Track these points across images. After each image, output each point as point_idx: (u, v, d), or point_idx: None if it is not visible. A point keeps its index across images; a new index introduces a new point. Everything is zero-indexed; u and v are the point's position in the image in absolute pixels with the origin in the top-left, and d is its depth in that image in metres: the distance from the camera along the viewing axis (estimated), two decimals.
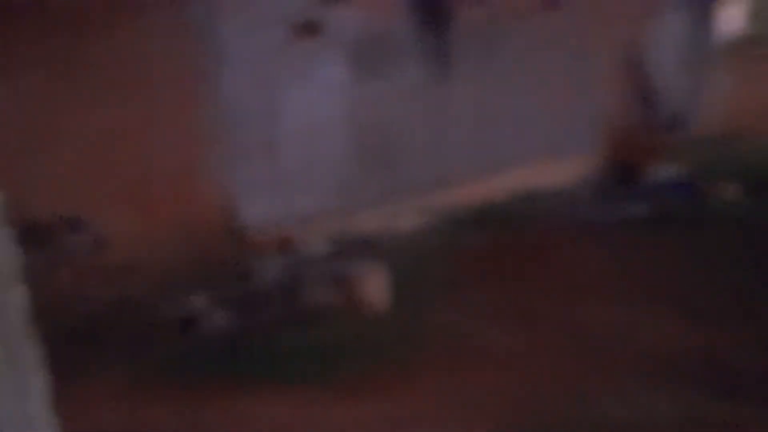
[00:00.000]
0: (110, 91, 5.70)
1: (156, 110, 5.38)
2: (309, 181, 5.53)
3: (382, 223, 5.61)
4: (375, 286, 4.70)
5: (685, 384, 3.84)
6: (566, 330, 4.57)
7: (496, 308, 4.76)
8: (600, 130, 6.47)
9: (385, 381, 4.00)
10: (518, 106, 6.16)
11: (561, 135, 6.34)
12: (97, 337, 4.58)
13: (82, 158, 6.25)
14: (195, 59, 5.16)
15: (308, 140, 5.51)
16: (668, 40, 6.71)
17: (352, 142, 5.66)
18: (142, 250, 5.59)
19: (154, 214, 5.57)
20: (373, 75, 5.62)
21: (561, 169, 6.31)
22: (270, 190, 5.40)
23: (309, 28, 5.41)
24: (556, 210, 6.02)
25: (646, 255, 5.27)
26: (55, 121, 6.41)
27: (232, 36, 5.22)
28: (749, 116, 6.55)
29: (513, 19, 6.07)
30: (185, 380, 4.12)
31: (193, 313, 4.64)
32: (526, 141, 6.22)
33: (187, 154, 5.25)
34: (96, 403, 3.98)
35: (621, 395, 3.80)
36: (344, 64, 5.56)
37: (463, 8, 5.82)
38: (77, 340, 4.51)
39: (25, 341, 1.78)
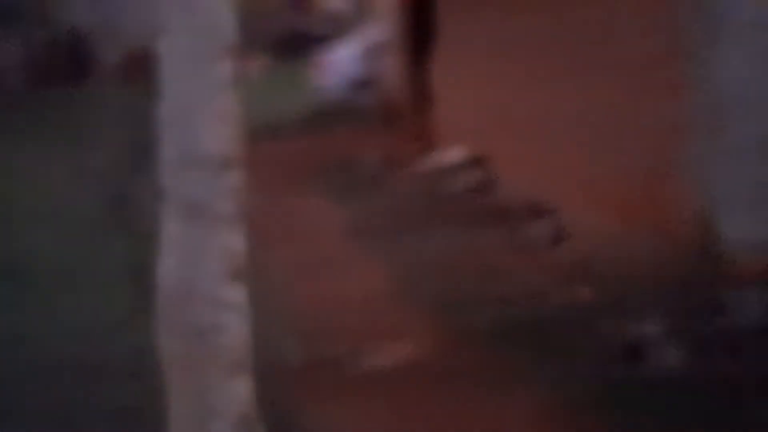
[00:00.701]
0: (582, 72, 5.12)
1: (632, 94, 4.63)
2: None
3: None
4: None
5: None
6: None
7: None
8: None
9: None
10: None
11: None
12: (528, 340, 4.02)
13: (549, 142, 5.81)
14: (681, 34, 4.23)
15: None
16: None
17: None
18: (597, 251, 4.93)
19: (617, 213, 4.86)
20: None
21: None
22: (763, 203, 4.24)
23: None
24: None
25: None
26: (523, 103, 6.07)
27: (731, 3, 4.15)
28: None
29: None
30: (615, 420, 3.36)
31: (640, 339, 3.81)
32: None
33: (664, 147, 4.39)
34: (507, 419, 3.45)
35: None
36: None
37: None
38: (507, 339, 4.04)
39: None
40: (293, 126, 10.40)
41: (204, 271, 1.19)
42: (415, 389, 3.69)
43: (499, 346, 3.95)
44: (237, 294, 1.22)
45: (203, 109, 1.22)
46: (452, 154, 7.45)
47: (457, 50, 7.62)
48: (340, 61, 11.23)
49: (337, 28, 15.26)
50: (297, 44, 16.15)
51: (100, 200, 6.28)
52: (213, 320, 1.18)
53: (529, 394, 3.54)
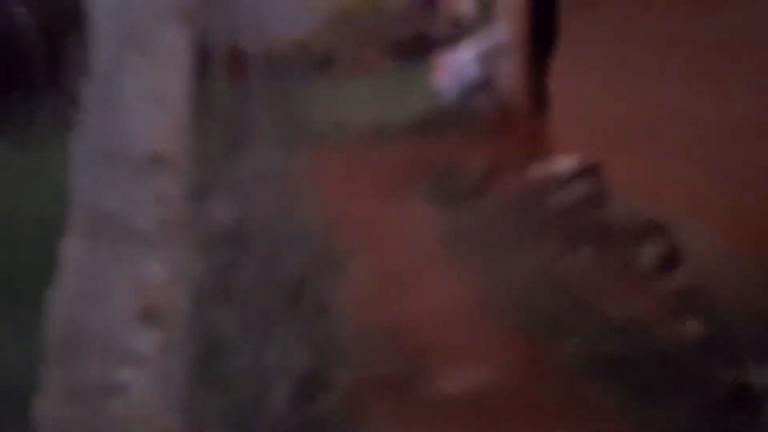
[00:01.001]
0: (712, 77, 4.56)
1: (763, 103, 4.06)
2: None
3: None
4: None
5: None
6: None
7: None
8: None
9: None
10: None
11: None
12: (622, 376, 3.56)
13: (671, 153, 5.25)
14: None
15: None
16: None
17: None
18: (712, 278, 4.39)
19: (738, 235, 4.29)
20: None
21: None
22: None
23: None
24: None
25: None
26: (645, 110, 5.52)
27: None
28: None
29: None
30: None
31: (754, 386, 3.29)
32: None
33: None
34: None
35: None
36: None
37: None
38: (599, 372, 3.59)
39: None
40: (406, 127, 10.15)
41: (106, 309, 0.81)
42: (487, 419, 3.31)
43: (588, 380, 3.52)
44: (147, 342, 0.81)
45: (136, 90, 0.87)
46: (564, 163, 6.97)
47: (576, 53, 7.14)
48: (457, 64, 10.94)
49: (462, 30, 14.96)
50: (421, 46, 15.94)
51: None
52: (110, 379, 0.80)
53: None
